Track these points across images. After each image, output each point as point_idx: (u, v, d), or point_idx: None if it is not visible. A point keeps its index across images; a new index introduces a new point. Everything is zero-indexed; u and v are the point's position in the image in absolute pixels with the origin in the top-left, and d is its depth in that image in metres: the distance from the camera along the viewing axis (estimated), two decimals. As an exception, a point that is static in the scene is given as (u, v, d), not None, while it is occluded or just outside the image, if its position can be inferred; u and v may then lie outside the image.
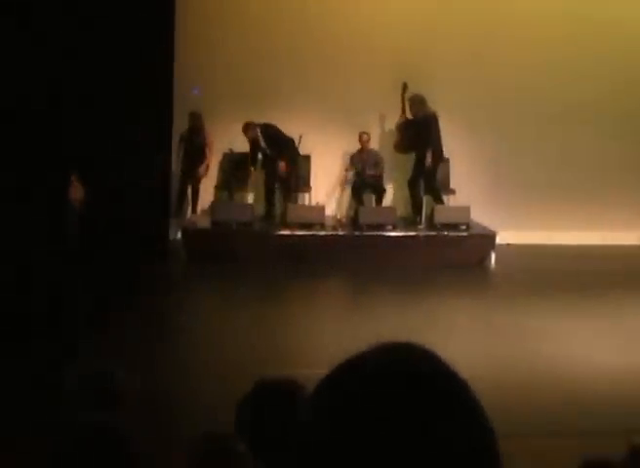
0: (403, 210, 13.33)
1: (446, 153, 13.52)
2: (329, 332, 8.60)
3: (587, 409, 6.76)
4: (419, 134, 12.98)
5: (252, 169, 13.17)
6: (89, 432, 2.60)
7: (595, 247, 13.22)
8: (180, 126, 12.72)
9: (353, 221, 12.65)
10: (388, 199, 13.54)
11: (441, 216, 12.61)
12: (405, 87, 13.15)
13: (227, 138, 13.02)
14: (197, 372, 7.57)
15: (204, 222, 12.60)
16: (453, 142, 13.62)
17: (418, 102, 13.07)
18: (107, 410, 2.98)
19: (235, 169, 13.19)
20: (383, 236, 12.33)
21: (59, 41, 7.09)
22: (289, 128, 12.93)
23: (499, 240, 12.43)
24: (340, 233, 12.43)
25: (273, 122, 13.01)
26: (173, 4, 12.02)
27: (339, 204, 13.81)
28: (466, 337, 8.87)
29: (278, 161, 12.86)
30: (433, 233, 12.48)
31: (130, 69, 9.69)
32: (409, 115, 13.21)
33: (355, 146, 13.41)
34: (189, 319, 9.83)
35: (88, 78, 7.78)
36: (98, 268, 8.40)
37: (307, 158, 13.45)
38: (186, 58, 12.59)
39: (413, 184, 13.16)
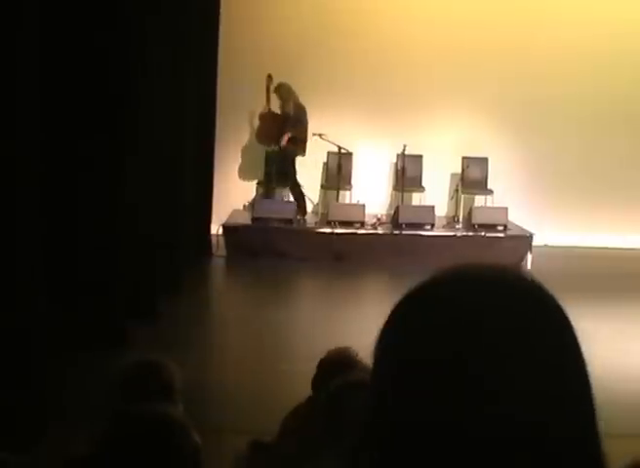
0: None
1: (484, 153, 13.60)
2: (368, 330, 8.67)
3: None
4: (286, 126, 12.73)
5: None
6: (141, 421, 2.52)
7: (634, 249, 13.21)
8: (223, 123, 12.86)
9: (393, 220, 12.73)
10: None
11: (479, 217, 12.70)
12: (269, 78, 12.88)
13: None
14: (235, 366, 7.71)
15: (245, 218, 12.78)
16: (491, 142, 13.69)
17: (285, 92, 12.80)
18: (158, 401, 2.97)
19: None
20: (422, 235, 12.42)
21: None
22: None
23: (536, 241, 12.50)
24: (380, 232, 12.54)
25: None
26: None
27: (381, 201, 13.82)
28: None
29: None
30: (470, 233, 12.57)
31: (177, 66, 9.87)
32: (274, 106, 12.95)
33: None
34: (229, 314, 10.02)
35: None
36: (141, 263, 8.53)
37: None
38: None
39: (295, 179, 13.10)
